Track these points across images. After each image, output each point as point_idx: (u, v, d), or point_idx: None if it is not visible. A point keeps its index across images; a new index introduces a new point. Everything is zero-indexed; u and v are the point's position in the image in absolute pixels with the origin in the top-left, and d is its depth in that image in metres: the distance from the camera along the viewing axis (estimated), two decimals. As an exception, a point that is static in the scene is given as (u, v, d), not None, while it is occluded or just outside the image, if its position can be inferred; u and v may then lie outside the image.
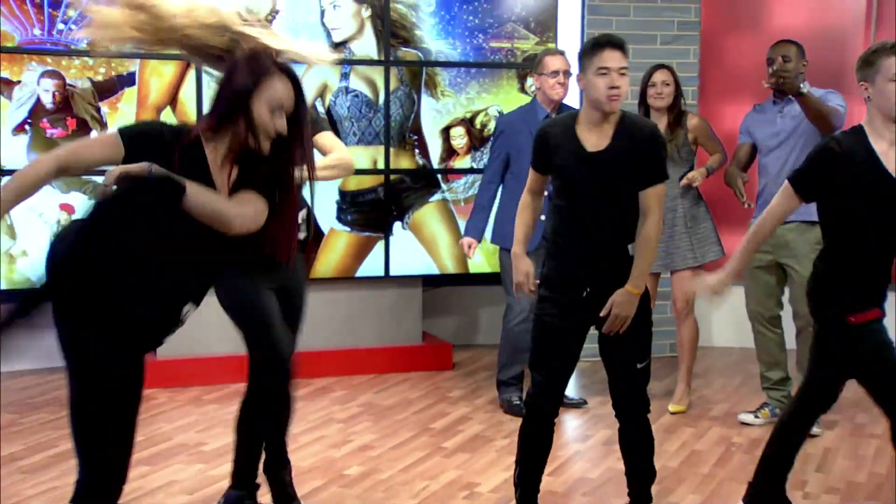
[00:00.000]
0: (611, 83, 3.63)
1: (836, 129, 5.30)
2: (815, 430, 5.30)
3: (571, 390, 5.92)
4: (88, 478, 2.91)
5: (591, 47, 3.73)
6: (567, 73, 5.61)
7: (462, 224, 6.63)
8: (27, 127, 5.88)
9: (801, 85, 5.10)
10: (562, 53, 5.78)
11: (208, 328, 5.82)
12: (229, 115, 2.89)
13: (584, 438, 5.30)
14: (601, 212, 3.72)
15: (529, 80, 6.64)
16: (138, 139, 2.86)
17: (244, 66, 2.92)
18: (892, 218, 3.66)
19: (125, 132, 2.87)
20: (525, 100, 6.57)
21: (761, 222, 3.87)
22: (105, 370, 2.81)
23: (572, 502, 4.35)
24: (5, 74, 5.83)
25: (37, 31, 5.87)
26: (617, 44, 3.72)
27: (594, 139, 3.73)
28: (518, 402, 5.68)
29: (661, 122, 5.61)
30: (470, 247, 5.77)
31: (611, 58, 3.67)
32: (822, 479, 4.69)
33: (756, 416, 5.53)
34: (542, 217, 5.14)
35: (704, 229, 5.71)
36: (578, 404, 5.86)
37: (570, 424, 5.56)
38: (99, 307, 2.78)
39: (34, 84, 5.87)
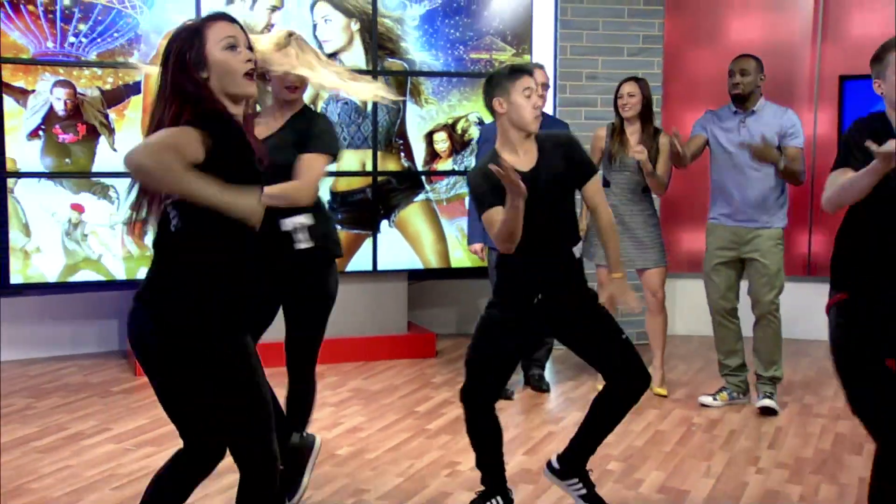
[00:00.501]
0: (535, 104, 3.62)
1: (803, 181, 5.45)
2: (771, 403, 5.42)
3: (548, 376, 6.02)
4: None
5: (510, 73, 3.67)
6: (545, 86, 5.67)
7: (444, 222, 6.73)
8: (41, 132, 5.89)
9: (780, 159, 5.22)
10: (541, 67, 5.84)
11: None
12: (192, 85, 2.63)
13: (557, 420, 5.35)
14: (546, 224, 3.65)
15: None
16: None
17: (180, 33, 2.70)
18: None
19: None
20: (502, 107, 6.68)
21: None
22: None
23: (545, 478, 4.40)
24: (21, 84, 5.84)
25: (50, 44, 5.88)
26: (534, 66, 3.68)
27: (522, 160, 3.68)
28: (505, 390, 5.77)
29: (634, 131, 5.68)
30: (480, 250, 5.85)
31: (532, 80, 3.65)
32: (774, 455, 4.76)
33: (715, 399, 5.59)
34: None
35: (657, 234, 5.79)
36: (545, 388, 5.91)
37: (544, 407, 5.61)
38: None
39: (47, 93, 5.87)
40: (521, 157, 3.69)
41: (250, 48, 2.70)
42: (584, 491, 3.84)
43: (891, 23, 7.12)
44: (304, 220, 3.66)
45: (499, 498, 3.86)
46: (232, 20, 2.70)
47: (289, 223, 3.54)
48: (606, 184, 5.72)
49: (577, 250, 3.74)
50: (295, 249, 3.69)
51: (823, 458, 4.73)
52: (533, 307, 3.71)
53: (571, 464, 3.86)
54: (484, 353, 3.75)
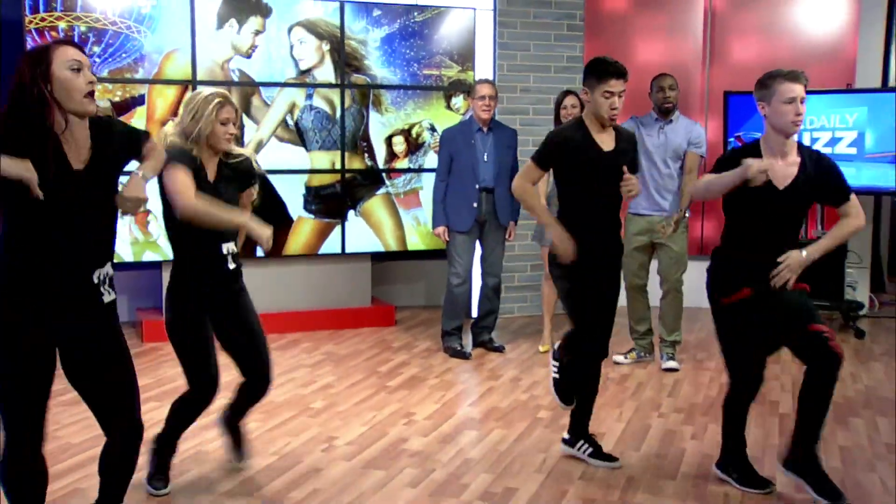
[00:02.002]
0: (613, 104, 3.62)
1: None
2: (673, 364, 5.52)
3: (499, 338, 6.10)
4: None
5: (599, 73, 3.64)
6: (493, 98, 5.72)
7: (402, 212, 6.75)
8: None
9: (681, 215, 5.43)
10: (489, 82, 5.87)
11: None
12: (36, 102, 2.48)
13: (497, 377, 5.38)
14: (611, 197, 3.75)
15: (454, 100, 6.77)
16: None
17: (25, 58, 2.53)
18: (774, 216, 3.51)
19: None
20: (449, 114, 6.72)
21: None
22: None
23: (487, 425, 4.47)
24: (41, 97, 5.76)
25: (68, 65, 5.81)
26: (621, 72, 3.62)
27: (605, 141, 3.72)
28: (459, 349, 5.83)
29: None
30: (443, 233, 5.84)
31: (616, 84, 3.60)
32: (672, 402, 4.85)
33: (626, 357, 5.67)
34: (475, 204, 5.45)
35: None
36: (500, 348, 5.98)
37: (486, 366, 5.64)
38: None
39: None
40: (604, 138, 3.74)
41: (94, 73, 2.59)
42: (591, 450, 3.94)
43: (764, 48, 7.30)
44: (233, 247, 3.53)
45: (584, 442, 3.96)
46: (80, 49, 2.58)
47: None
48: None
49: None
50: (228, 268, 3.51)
51: (711, 402, 4.82)
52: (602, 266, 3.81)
53: (576, 431, 3.99)
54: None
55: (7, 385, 2.63)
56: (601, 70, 3.64)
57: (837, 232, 3.57)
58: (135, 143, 2.80)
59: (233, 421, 3.80)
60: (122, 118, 5.90)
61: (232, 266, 3.49)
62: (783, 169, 3.48)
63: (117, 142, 2.70)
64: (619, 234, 3.87)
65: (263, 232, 3.31)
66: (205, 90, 3.47)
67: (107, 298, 2.75)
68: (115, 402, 2.80)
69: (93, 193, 2.63)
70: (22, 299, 2.57)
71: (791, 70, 3.48)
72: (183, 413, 3.58)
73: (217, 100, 3.39)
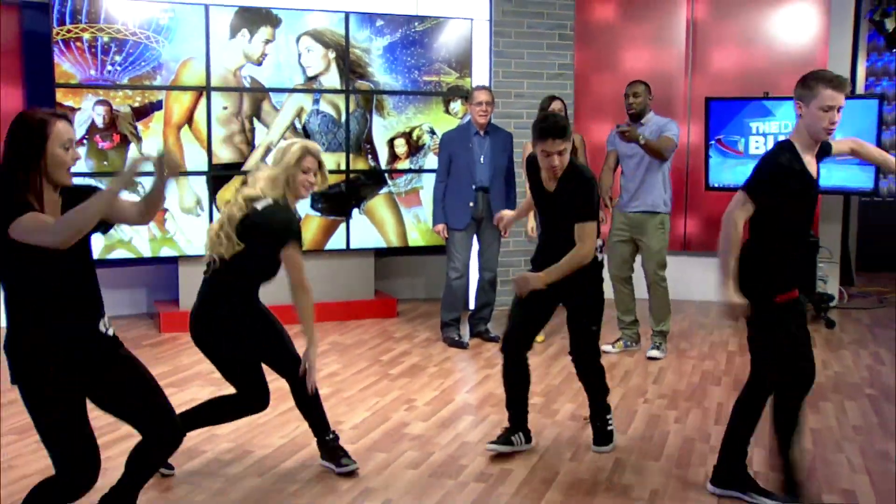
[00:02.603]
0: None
1: (667, 157, 5.43)
2: (657, 353, 5.52)
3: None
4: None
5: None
6: (490, 104, 5.71)
7: (403, 210, 6.74)
8: (85, 141, 5.82)
9: (640, 136, 5.26)
10: (487, 89, 5.86)
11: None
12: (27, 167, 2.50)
13: (493, 366, 5.35)
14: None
15: (452, 104, 6.76)
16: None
17: (24, 126, 2.53)
18: (812, 208, 3.29)
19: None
20: (448, 118, 6.71)
21: (730, 238, 3.15)
22: None
23: (483, 411, 4.46)
24: (69, 103, 5.78)
25: (92, 72, 5.83)
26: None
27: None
28: (458, 339, 5.82)
29: None
30: (442, 230, 5.84)
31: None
32: (657, 388, 4.85)
33: (613, 347, 5.65)
34: (472, 203, 5.47)
35: None
36: (495, 339, 5.91)
37: (483, 356, 5.63)
38: None
39: (90, 110, 5.82)
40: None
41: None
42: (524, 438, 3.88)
43: (742, 57, 7.30)
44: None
45: (521, 434, 3.86)
46: (71, 125, 2.61)
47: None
48: None
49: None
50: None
51: (693, 389, 4.84)
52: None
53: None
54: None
55: (58, 426, 2.61)
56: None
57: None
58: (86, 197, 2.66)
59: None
60: (141, 122, 5.92)
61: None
62: (813, 164, 3.23)
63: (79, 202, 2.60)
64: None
65: None
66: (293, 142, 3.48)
67: (110, 332, 2.76)
68: (148, 414, 2.79)
69: (79, 253, 2.61)
70: (42, 360, 2.57)
71: (837, 76, 3.20)
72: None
73: (304, 150, 3.42)
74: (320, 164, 3.47)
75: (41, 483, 2.70)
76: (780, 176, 3.13)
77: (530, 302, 3.76)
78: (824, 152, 3.35)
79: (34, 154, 2.50)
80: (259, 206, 3.35)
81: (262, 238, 3.34)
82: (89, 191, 2.67)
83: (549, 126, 3.53)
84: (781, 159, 3.15)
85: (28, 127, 2.52)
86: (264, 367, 3.59)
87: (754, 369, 3.35)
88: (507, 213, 4.24)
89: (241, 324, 3.44)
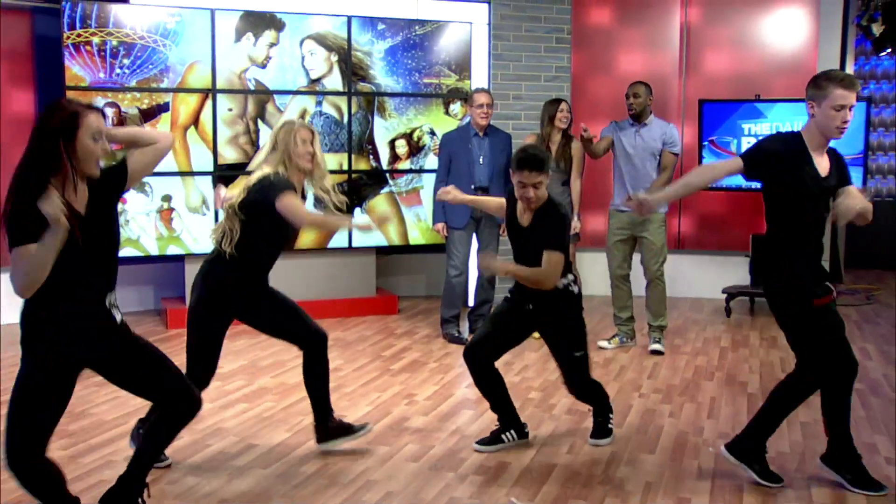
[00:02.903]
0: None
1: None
2: (659, 346, 5.49)
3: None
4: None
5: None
6: (489, 106, 5.71)
7: (404, 209, 6.74)
8: (93, 141, 5.83)
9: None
10: (487, 92, 5.85)
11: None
12: (55, 156, 2.51)
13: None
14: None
15: (452, 106, 6.76)
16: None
17: (56, 114, 2.53)
18: (825, 208, 3.31)
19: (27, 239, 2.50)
20: (448, 120, 6.71)
21: (701, 171, 3.34)
22: None
23: (482, 405, 4.45)
24: (78, 105, 5.79)
25: (102, 75, 5.83)
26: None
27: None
28: (457, 335, 5.82)
29: (556, 139, 5.70)
30: (442, 229, 5.84)
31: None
32: (652, 383, 4.85)
33: (609, 343, 5.65)
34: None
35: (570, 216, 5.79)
36: None
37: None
38: None
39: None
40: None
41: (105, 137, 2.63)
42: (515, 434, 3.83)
43: (734, 60, 7.31)
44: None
45: (513, 431, 3.82)
46: (102, 117, 2.64)
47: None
48: None
49: None
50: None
51: (686, 384, 4.83)
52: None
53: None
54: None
55: (31, 400, 2.60)
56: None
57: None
58: (118, 172, 2.77)
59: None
60: (148, 123, 5.92)
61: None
62: (822, 162, 3.27)
63: (104, 184, 2.69)
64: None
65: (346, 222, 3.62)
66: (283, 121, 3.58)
67: (118, 318, 2.76)
68: (164, 387, 2.83)
69: (95, 232, 2.64)
70: (54, 335, 2.60)
71: (847, 76, 3.22)
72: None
73: (295, 125, 3.48)
74: (313, 135, 3.51)
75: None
76: (772, 149, 3.20)
77: (506, 321, 3.75)
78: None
79: (65, 144, 2.50)
80: (252, 180, 3.44)
81: (259, 205, 3.35)
82: (114, 170, 2.74)
83: (528, 158, 3.47)
84: (778, 137, 3.29)
85: (60, 117, 2.52)
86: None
87: (801, 365, 3.36)
88: (453, 192, 4.04)
89: (228, 297, 3.47)
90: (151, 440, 2.95)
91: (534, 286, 3.60)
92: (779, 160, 3.19)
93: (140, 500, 2.91)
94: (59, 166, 2.51)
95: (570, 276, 3.69)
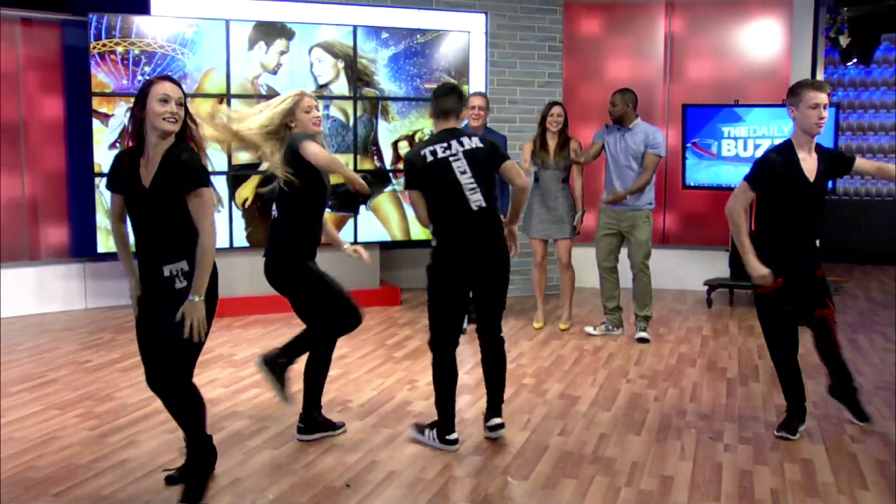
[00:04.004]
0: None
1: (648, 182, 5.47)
2: (645, 335, 5.48)
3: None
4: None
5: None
6: (481, 108, 5.66)
7: (406, 207, 6.70)
8: (117, 144, 5.82)
9: (624, 195, 5.35)
10: (480, 95, 5.80)
11: (235, 278, 5.87)
12: (135, 120, 2.81)
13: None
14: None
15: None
16: (111, 178, 2.91)
17: (142, 84, 2.85)
18: (808, 205, 3.54)
19: (108, 185, 2.94)
20: (447, 124, 6.67)
21: (736, 222, 3.56)
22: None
23: (479, 390, 4.43)
24: (104, 110, 5.80)
25: (125, 82, 5.83)
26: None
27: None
28: None
29: (553, 141, 5.67)
30: None
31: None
32: (638, 369, 4.84)
33: (595, 329, 5.65)
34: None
35: (571, 214, 5.73)
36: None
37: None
38: None
39: (122, 116, 5.79)
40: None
41: (181, 103, 2.80)
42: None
43: (715, 68, 7.30)
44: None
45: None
46: (174, 83, 2.82)
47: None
48: (536, 179, 5.74)
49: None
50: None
51: (670, 370, 4.83)
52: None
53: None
54: None
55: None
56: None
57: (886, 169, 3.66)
58: (183, 183, 2.80)
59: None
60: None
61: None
62: (811, 163, 3.54)
63: (174, 174, 2.80)
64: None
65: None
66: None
67: (178, 286, 2.85)
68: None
69: (155, 206, 2.81)
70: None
71: (816, 80, 3.59)
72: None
73: (294, 94, 3.53)
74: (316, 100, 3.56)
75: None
76: (767, 166, 3.52)
77: (450, 302, 3.52)
78: (843, 168, 3.65)
79: (139, 106, 2.78)
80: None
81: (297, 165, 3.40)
82: (184, 175, 2.79)
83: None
84: (770, 154, 3.58)
85: (140, 88, 2.83)
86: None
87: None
88: None
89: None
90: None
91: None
92: (773, 170, 3.51)
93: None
94: (134, 134, 2.80)
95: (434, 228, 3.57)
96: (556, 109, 5.66)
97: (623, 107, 5.46)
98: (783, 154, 3.54)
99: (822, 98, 3.46)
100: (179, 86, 2.84)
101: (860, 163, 3.69)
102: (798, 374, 3.72)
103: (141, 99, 2.78)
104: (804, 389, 3.74)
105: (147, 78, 2.84)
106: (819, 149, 3.61)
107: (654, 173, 5.53)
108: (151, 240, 2.86)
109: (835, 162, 3.64)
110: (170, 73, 5.87)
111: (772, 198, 3.55)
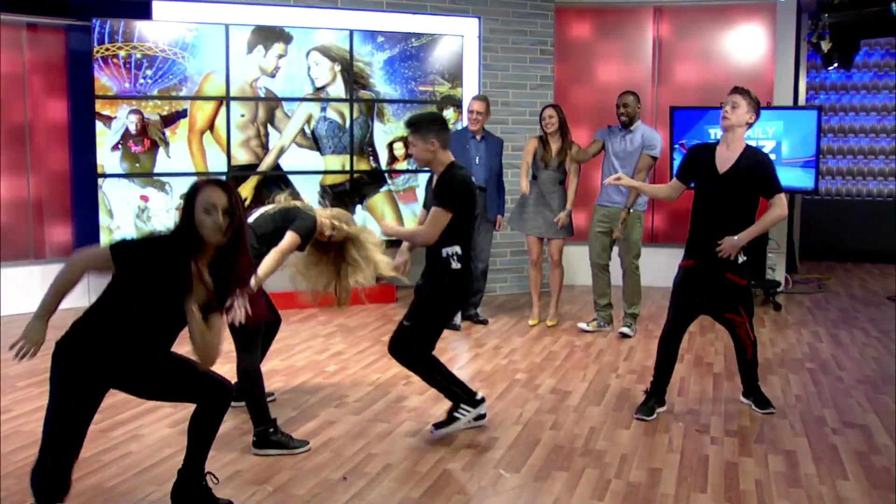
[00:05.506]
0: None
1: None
2: (628, 331, 5.51)
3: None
4: None
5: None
6: (479, 112, 5.65)
7: (401, 206, 6.71)
8: (119, 146, 5.80)
9: (622, 225, 5.43)
10: (480, 99, 5.78)
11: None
12: (185, 227, 2.59)
13: (482, 345, 5.34)
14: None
15: (445, 112, 6.70)
16: (124, 257, 2.58)
17: (191, 189, 2.62)
18: (714, 194, 3.78)
19: (114, 252, 2.59)
20: (442, 126, 6.67)
21: (655, 188, 4.29)
22: None
23: (473, 386, 4.44)
24: (107, 112, 5.76)
25: (127, 85, 5.79)
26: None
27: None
28: (454, 322, 5.72)
29: (555, 144, 5.65)
30: None
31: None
32: (627, 365, 4.85)
33: (587, 325, 5.66)
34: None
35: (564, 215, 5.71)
36: (484, 321, 5.89)
37: (472, 336, 5.60)
38: None
39: (124, 118, 5.78)
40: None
41: (228, 211, 2.56)
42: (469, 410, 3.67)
43: (701, 72, 7.32)
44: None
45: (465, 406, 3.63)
46: (224, 190, 2.58)
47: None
48: (534, 178, 5.74)
49: None
50: None
51: (659, 366, 4.83)
52: None
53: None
54: None
55: (63, 422, 2.66)
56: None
57: (761, 220, 3.78)
58: (223, 294, 2.69)
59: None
60: (168, 128, 5.88)
61: None
62: (725, 155, 3.77)
63: (224, 288, 2.66)
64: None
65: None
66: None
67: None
68: (192, 386, 2.76)
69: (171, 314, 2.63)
70: (97, 358, 2.67)
71: (733, 88, 3.87)
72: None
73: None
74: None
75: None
76: (686, 157, 3.97)
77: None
78: (758, 188, 3.83)
79: (187, 214, 2.57)
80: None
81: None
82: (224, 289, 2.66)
83: (407, 120, 3.68)
84: (693, 147, 4.01)
85: (188, 192, 2.61)
86: None
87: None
88: None
89: None
90: (198, 438, 2.82)
91: (410, 241, 3.76)
92: (691, 163, 3.89)
93: (204, 483, 2.82)
94: (185, 233, 2.59)
95: (457, 249, 3.48)
96: (548, 111, 5.65)
97: (634, 108, 5.46)
98: (705, 148, 3.88)
99: (730, 98, 3.75)
100: (228, 189, 2.58)
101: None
102: (671, 357, 3.90)
103: (189, 202, 2.56)
104: (671, 374, 3.93)
105: (196, 181, 2.60)
106: (749, 149, 3.76)
107: (648, 175, 5.53)
108: (158, 330, 2.72)
109: (757, 173, 3.73)
110: (170, 77, 5.89)
111: (695, 187, 3.91)
